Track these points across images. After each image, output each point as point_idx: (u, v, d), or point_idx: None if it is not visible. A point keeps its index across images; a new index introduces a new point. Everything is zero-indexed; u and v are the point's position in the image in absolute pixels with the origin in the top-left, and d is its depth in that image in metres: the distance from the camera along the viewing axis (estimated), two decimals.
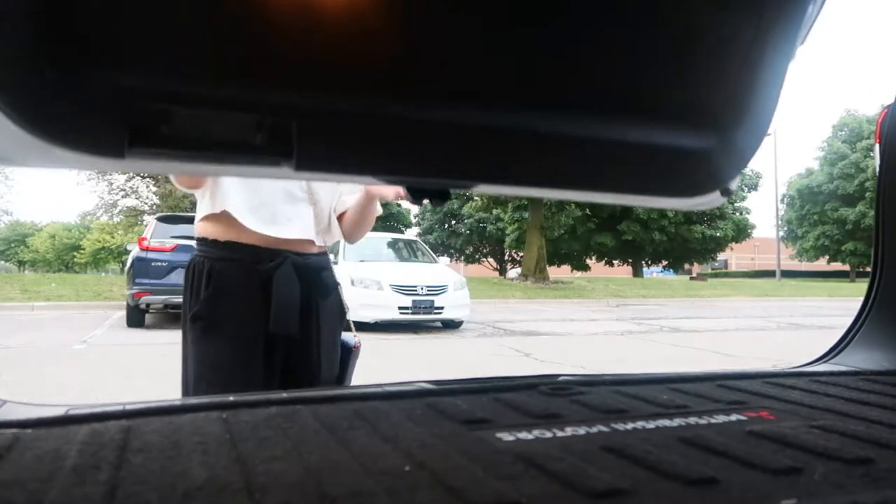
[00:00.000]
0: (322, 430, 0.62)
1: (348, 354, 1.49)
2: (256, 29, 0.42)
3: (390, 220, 31.86)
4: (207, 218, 1.37)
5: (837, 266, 44.37)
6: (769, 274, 39.14)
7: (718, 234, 35.04)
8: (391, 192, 1.42)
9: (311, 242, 1.44)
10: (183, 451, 0.55)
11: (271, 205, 1.36)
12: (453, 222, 35.29)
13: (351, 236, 1.57)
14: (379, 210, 1.55)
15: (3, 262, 68.86)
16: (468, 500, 0.44)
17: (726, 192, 0.60)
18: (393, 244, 11.06)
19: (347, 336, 1.53)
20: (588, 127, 0.52)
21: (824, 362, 1.19)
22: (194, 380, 1.32)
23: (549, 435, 0.61)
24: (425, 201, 0.55)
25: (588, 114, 0.52)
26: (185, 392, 1.35)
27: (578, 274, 35.44)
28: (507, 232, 30.91)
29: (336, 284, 1.53)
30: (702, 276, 33.42)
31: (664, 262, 38.77)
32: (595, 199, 0.62)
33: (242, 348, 1.30)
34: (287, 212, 1.38)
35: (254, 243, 1.35)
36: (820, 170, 42.57)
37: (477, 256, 36.96)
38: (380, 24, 0.44)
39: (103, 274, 39.41)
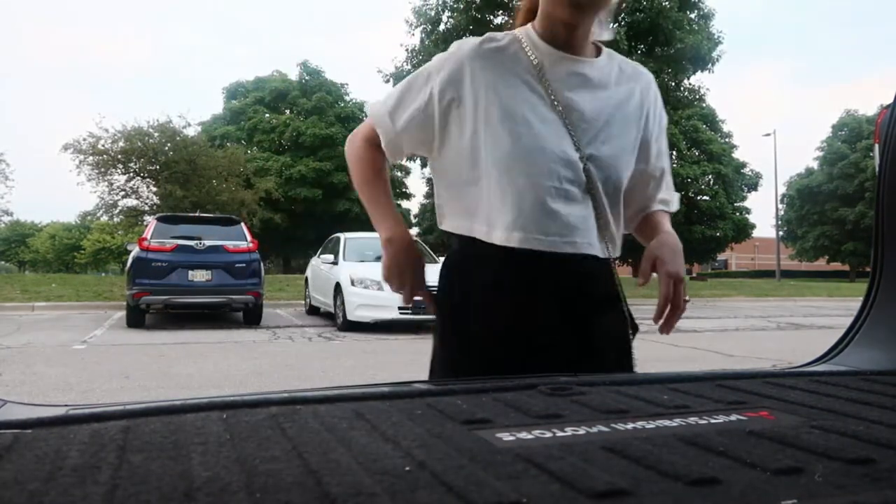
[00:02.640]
0: (322, 430, 0.62)
1: None
2: None
3: None
4: None
5: (837, 266, 44.40)
6: (769, 274, 39.14)
7: (718, 234, 35.04)
8: None
9: None
10: (183, 451, 0.55)
11: None
12: None
13: None
14: None
15: (3, 262, 68.89)
16: (468, 500, 0.44)
17: None
18: None
19: None
20: None
21: (824, 362, 1.19)
22: None
23: (549, 435, 0.61)
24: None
25: None
26: None
27: None
28: None
29: None
30: (702, 276, 33.41)
31: None
32: None
33: None
34: None
35: None
36: (820, 170, 42.58)
37: None
38: None
39: (103, 274, 39.41)
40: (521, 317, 1.12)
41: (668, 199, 1.25)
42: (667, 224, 1.22)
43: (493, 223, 1.10)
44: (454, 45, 1.17)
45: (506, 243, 1.09)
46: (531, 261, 1.10)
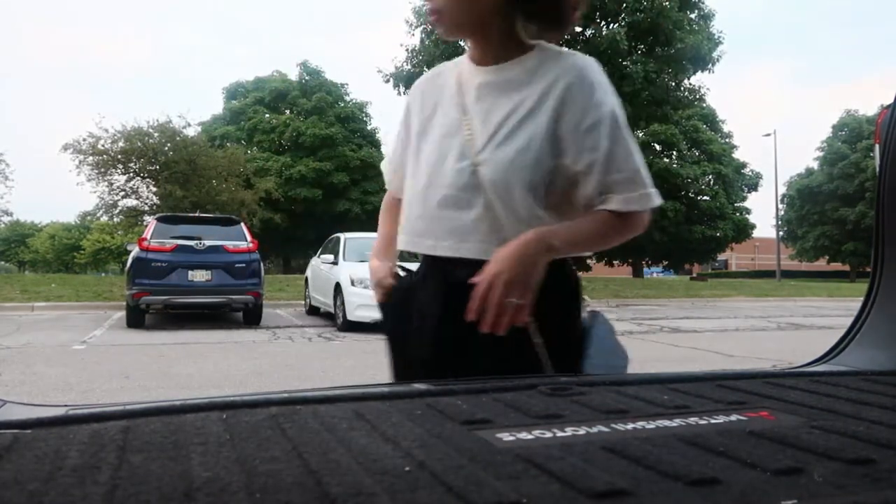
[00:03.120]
0: (322, 430, 0.62)
1: None
2: None
3: None
4: None
5: (837, 266, 44.40)
6: (769, 274, 39.14)
7: (718, 234, 35.06)
8: None
9: None
10: (183, 451, 0.55)
11: None
12: None
13: None
14: None
15: (3, 262, 68.90)
16: (468, 500, 0.44)
17: None
18: None
19: None
20: None
21: (824, 362, 1.19)
22: None
23: (549, 435, 0.61)
24: None
25: None
26: None
27: (578, 274, 35.34)
28: None
29: None
30: (702, 277, 33.42)
31: (664, 263, 38.77)
32: None
33: None
34: None
35: None
36: (820, 170, 42.58)
37: None
38: None
39: (103, 274, 39.41)
40: (416, 317, 1.23)
41: (614, 195, 1.13)
42: (582, 223, 1.15)
43: (400, 230, 1.26)
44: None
45: (398, 247, 1.26)
46: (426, 264, 1.23)
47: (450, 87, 1.22)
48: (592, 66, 1.15)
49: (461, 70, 1.23)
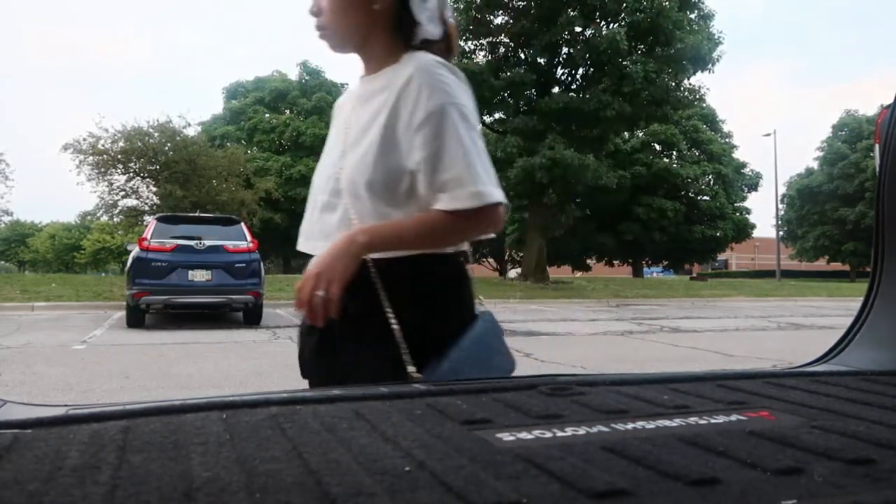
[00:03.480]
0: (322, 430, 0.62)
1: None
2: None
3: None
4: None
5: (837, 266, 44.38)
6: (769, 274, 39.14)
7: (718, 234, 35.06)
8: None
9: None
10: (183, 451, 0.55)
11: None
12: None
13: None
14: None
15: (3, 262, 68.90)
16: (468, 500, 0.44)
17: None
18: None
19: None
20: None
21: (824, 362, 1.19)
22: None
23: (549, 435, 0.61)
24: None
25: None
26: None
27: (579, 274, 35.46)
28: (508, 232, 30.90)
29: None
30: (702, 276, 33.40)
31: (664, 262, 38.78)
32: None
33: None
34: None
35: None
36: (820, 170, 42.57)
37: (477, 257, 36.97)
38: None
39: (103, 274, 39.41)
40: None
41: (443, 192, 1.12)
42: (408, 222, 1.15)
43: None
44: None
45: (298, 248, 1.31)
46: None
47: (352, 101, 1.29)
48: (430, 63, 1.15)
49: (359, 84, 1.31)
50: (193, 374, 5.70)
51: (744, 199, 37.13)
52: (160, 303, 9.32)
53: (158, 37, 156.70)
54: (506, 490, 0.46)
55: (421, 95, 1.12)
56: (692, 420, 0.68)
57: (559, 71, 21.34)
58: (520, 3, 19.83)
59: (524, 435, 0.61)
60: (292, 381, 1.39)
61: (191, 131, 24.43)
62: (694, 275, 36.47)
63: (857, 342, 1.17)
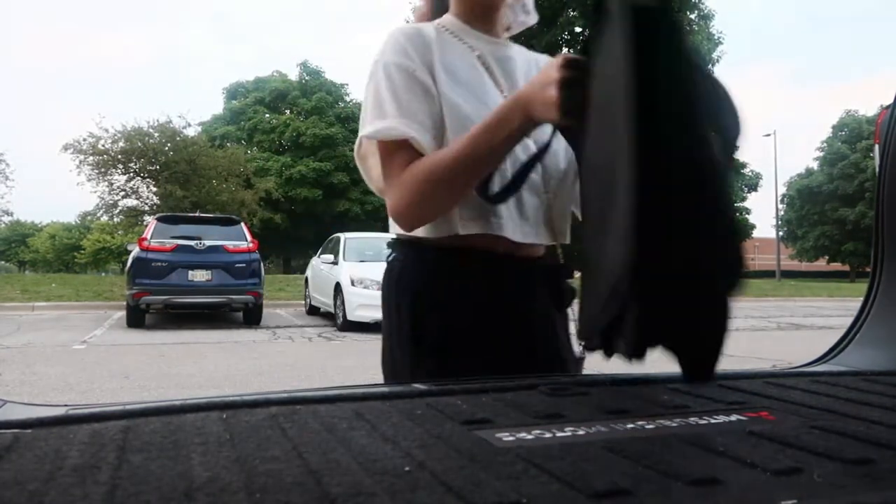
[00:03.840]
0: (322, 430, 0.62)
1: None
2: None
3: None
4: None
5: (837, 266, 44.40)
6: (769, 274, 39.13)
7: None
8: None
9: None
10: (183, 451, 0.55)
11: None
12: None
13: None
14: None
15: (3, 262, 68.90)
16: (468, 500, 0.44)
17: None
18: None
19: None
20: None
21: (824, 362, 1.19)
22: None
23: (549, 435, 0.61)
24: None
25: None
26: None
27: (579, 274, 35.41)
28: None
29: None
30: None
31: None
32: None
33: None
34: None
35: None
36: (820, 170, 42.61)
37: None
38: None
39: (103, 274, 39.44)
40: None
41: None
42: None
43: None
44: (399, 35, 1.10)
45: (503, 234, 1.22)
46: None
47: (462, 49, 1.14)
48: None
49: (463, 37, 1.16)
50: (193, 374, 5.70)
51: (743, 199, 37.15)
52: (160, 303, 9.32)
53: (158, 37, 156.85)
54: (506, 490, 0.46)
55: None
56: (692, 420, 0.68)
57: None
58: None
59: (524, 435, 0.61)
60: (292, 380, 1.39)
61: (191, 131, 24.46)
62: None
63: (857, 342, 1.17)
